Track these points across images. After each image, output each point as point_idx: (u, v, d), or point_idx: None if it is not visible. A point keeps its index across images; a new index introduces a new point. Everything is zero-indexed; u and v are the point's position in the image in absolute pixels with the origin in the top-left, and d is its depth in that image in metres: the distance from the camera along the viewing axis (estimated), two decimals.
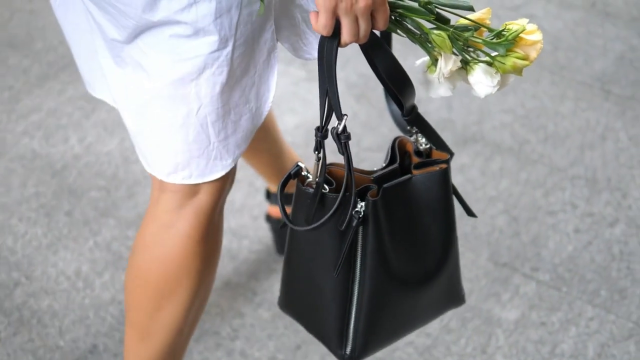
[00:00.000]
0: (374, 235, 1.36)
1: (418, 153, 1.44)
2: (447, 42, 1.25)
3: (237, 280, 2.13)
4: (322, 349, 1.94)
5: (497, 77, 1.28)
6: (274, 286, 2.12)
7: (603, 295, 2.07)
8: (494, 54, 1.27)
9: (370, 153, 2.46)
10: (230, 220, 2.27)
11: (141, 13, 1.30)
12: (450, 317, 2.03)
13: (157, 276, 1.52)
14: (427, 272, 1.44)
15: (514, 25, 1.26)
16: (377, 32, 1.28)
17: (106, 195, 2.37)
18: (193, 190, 1.47)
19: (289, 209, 1.38)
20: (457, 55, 1.28)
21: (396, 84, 1.34)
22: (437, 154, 1.44)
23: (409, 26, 1.28)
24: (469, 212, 1.49)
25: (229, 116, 1.39)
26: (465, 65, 1.29)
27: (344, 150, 1.28)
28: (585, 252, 2.17)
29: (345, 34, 1.21)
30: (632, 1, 3.01)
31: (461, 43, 1.27)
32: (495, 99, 2.62)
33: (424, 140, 1.43)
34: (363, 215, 1.33)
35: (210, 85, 1.35)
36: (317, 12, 1.20)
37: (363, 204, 1.33)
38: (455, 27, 1.26)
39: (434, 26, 1.26)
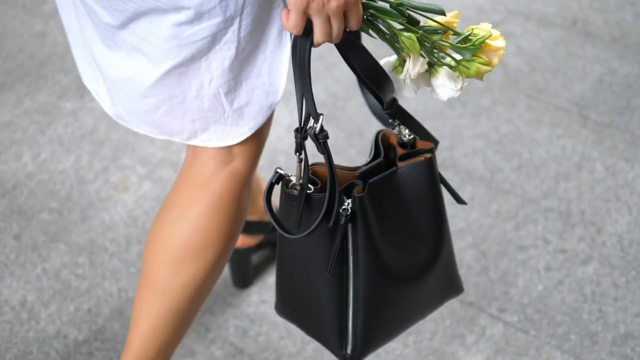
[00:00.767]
0: (364, 232, 1.35)
1: (402, 144, 1.43)
2: (416, 45, 1.27)
3: None
4: None
5: (460, 81, 1.30)
6: (229, 322, 2.01)
7: (573, 339, 1.97)
8: (458, 57, 1.29)
9: None
10: None
11: None
12: (413, 359, 1.93)
13: (186, 234, 1.52)
14: (422, 264, 1.43)
15: (479, 30, 1.28)
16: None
17: (58, 217, 2.26)
18: (228, 157, 1.50)
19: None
20: (424, 57, 1.30)
21: (373, 81, 1.34)
22: (421, 144, 1.43)
23: (381, 26, 1.29)
24: (459, 200, 1.48)
25: (240, 87, 1.41)
26: (429, 67, 1.31)
27: (323, 149, 1.29)
28: (556, 292, 2.08)
29: (318, 33, 1.22)
30: (613, 20, 2.92)
31: (429, 45, 1.29)
32: (469, 122, 2.53)
33: (407, 131, 1.43)
34: (350, 212, 1.33)
35: (220, 60, 1.36)
36: (288, 11, 1.20)
37: (350, 201, 1.33)
38: (425, 30, 1.28)
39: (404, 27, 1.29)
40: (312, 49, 1.25)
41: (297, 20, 1.20)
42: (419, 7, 1.27)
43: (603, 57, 2.77)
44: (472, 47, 1.28)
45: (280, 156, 2.42)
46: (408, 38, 1.27)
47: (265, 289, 2.09)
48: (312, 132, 1.28)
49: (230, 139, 1.47)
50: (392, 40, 1.30)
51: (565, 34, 2.86)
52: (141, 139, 2.48)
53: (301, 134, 1.30)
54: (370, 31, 1.31)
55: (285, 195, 1.36)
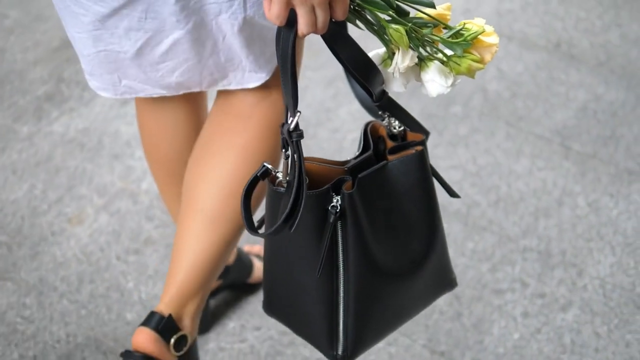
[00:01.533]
0: (354, 229, 1.30)
1: (392, 137, 1.39)
2: (405, 37, 1.21)
3: None
4: None
5: (451, 78, 1.25)
6: None
7: None
8: (449, 53, 1.23)
9: None
10: (140, 290, 2.04)
11: None
12: None
13: (235, 163, 1.53)
14: (414, 260, 1.38)
15: (472, 25, 1.22)
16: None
17: (7, 253, 2.13)
18: (266, 89, 1.52)
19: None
20: (414, 50, 1.24)
21: (362, 73, 1.28)
22: (412, 136, 1.39)
23: (368, 17, 1.24)
24: (451, 193, 1.44)
25: (255, 44, 1.43)
26: (419, 62, 1.26)
27: (295, 149, 1.23)
28: (533, 341, 1.95)
29: (302, 24, 1.17)
30: (599, 42, 2.79)
31: (418, 39, 1.23)
32: (445, 152, 2.40)
33: (396, 123, 1.38)
34: (340, 209, 1.28)
35: (229, 25, 1.39)
36: (270, 0, 1.15)
37: (338, 197, 1.28)
38: (414, 22, 1.22)
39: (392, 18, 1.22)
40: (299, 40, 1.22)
41: (280, 10, 1.15)
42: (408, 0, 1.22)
43: (588, 82, 2.64)
44: (463, 42, 1.21)
45: None
46: (396, 30, 1.21)
47: (224, 334, 1.97)
48: (287, 129, 1.23)
49: (251, 83, 1.50)
50: (380, 32, 1.24)
51: (549, 57, 2.74)
52: (100, 166, 2.35)
53: (288, 130, 1.24)
54: (358, 22, 1.25)
55: (270, 192, 1.31)
